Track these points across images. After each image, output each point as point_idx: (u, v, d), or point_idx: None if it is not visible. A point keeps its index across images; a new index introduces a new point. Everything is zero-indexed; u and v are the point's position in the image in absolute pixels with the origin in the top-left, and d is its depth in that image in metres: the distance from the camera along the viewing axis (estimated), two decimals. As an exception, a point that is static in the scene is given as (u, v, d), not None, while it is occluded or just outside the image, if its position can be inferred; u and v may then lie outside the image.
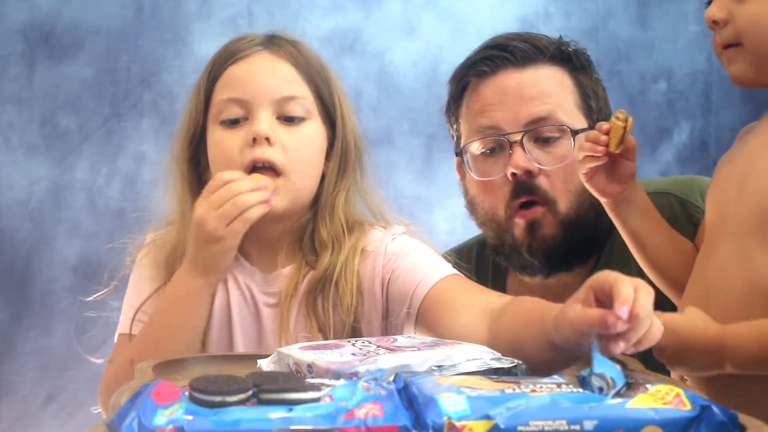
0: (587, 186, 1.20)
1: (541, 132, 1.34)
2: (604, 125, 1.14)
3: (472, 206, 1.44)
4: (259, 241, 1.21)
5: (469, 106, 1.41)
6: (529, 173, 1.33)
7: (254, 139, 1.15)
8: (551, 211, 1.34)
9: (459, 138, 1.45)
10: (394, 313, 1.19)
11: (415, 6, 2.61)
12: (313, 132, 1.20)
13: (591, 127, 1.37)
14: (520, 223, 1.35)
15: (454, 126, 1.46)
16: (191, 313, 1.14)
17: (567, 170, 1.33)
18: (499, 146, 1.36)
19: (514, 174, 1.33)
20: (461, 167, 1.46)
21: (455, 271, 1.19)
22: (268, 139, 1.15)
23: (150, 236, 1.26)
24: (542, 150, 1.34)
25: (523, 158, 1.32)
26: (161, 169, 1.25)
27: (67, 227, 2.39)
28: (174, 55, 2.46)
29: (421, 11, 2.62)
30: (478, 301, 1.11)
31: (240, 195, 1.10)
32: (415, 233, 1.25)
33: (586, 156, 1.16)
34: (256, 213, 1.10)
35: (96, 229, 2.35)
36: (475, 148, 1.38)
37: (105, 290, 1.25)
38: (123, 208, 2.35)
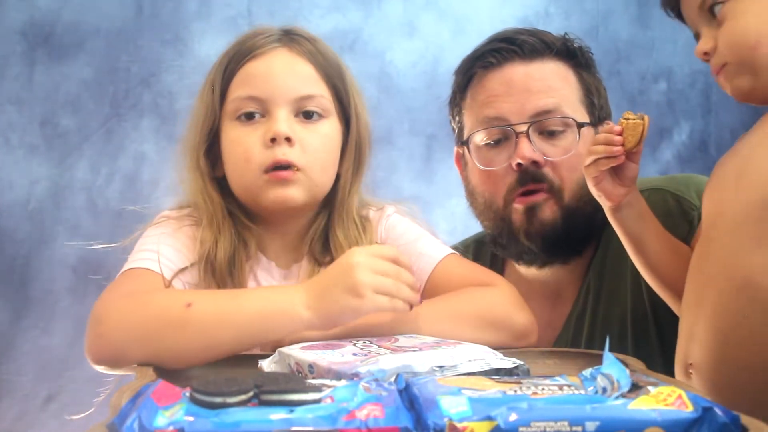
0: (594, 191, 1.20)
1: (546, 125, 1.35)
2: (616, 127, 1.14)
3: (472, 197, 1.45)
4: (277, 238, 1.21)
5: (474, 98, 1.41)
6: (534, 164, 1.34)
7: (273, 139, 1.14)
8: (554, 198, 1.35)
9: (461, 129, 1.45)
10: None
11: (415, 6, 2.62)
12: (330, 130, 1.20)
13: (593, 123, 1.37)
14: (518, 208, 1.36)
15: (456, 118, 1.47)
16: (265, 331, 0.99)
17: (572, 161, 1.34)
18: (504, 137, 1.37)
19: (519, 164, 1.33)
20: (461, 159, 1.47)
21: (447, 250, 1.21)
22: (288, 139, 1.14)
23: (168, 212, 1.24)
24: (546, 142, 1.35)
25: (529, 149, 1.33)
26: (172, 164, 1.24)
27: (67, 227, 2.39)
28: (174, 55, 2.46)
29: (421, 11, 2.62)
30: (473, 280, 1.15)
31: (402, 281, 1.02)
32: (406, 212, 1.26)
33: (600, 159, 1.16)
34: (401, 306, 1.01)
35: (96, 229, 2.35)
36: (480, 138, 1.39)
37: (114, 244, 1.21)
38: (123, 208, 2.35)
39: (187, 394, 0.65)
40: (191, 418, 0.62)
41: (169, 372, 0.95)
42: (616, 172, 1.18)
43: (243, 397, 0.64)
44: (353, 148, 1.23)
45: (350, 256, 1.01)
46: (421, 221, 1.27)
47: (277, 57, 1.18)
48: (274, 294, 1.03)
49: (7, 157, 2.36)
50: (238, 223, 1.19)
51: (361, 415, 0.63)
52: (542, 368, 0.98)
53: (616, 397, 0.66)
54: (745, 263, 1.03)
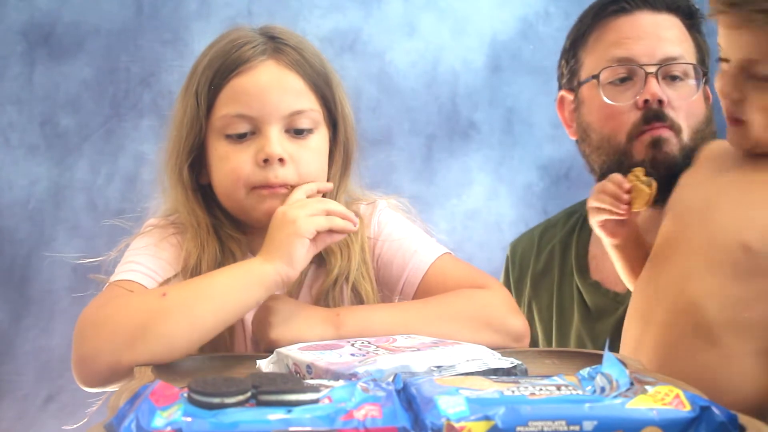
0: (597, 229, 1.28)
1: (672, 69, 1.45)
2: (625, 183, 1.22)
3: (585, 134, 1.53)
4: (259, 234, 1.21)
5: (601, 39, 1.50)
6: (659, 103, 1.42)
7: (266, 160, 1.13)
8: (677, 137, 1.43)
9: (574, 73, 1.54)
10: (385, 293, 1.20)
11: (415, 6, 2.61)
12: (319, 143, 1.19)
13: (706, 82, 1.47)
14: (645, 139, 1.43)
15: (571, 62, 1.56)
16: (242, 298, 1.04)
17: (691, 107, 1.44)
18: (629, 77, 1.46)
19: (646, 101, 1.42)
20: (575, 101, 1.55)
21: (442, 249, 1.22)
22: (281, 160, 1.14)
23: (154, 220, 1.24)
24: (670, 86, 1.44)
25: (657, 88, 1.42)
26: (157, 174, 1.24)
27: (67, 227, 2.39)
28: (174, 55, 2.45)
29: (421, 11, 2.62)
30: (468, 282, 1.16)
31: (329, 203, 1.09)
32: (399, 207, 1.27)
33: (604, 209, 1.23)
34: (340, 222, 1.07)
35: (96, 229, 2.35)
36: (605, 76, 1.47)
37: (103, 257, 1.22)
38: (123, 208, 2.34)
39: (185, 394, 0.65)
40: (189, 419, 0.62)
41: (167, 372, 0.95)
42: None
43: (241, 397, 0.64)
44: (341, 152, 1.23)
45: (275, 212, 1.09)
46: (415, 217, 1.27)
47: (265, 71, 1.16)
48: (239, 265, 1.09)
49: (7, 157, 2.36)
50: (224, 234, 1.19)
51: (358, 415, 0.63)
52: (540, 368, 0.98)
53: (614, 397, 0.66)
54: (695, 288, 1.10)
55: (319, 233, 1.08)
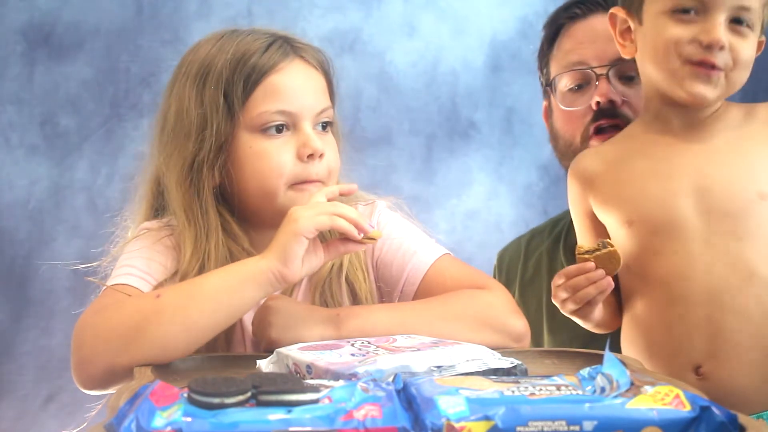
0: (590, 327, 1.22)
1: (625, 69, 1.43)
2: (587, 264, 1.14)
3: (554, 141, 1.55)
4: (267, 237, 1.21)
5: (560, 47, 1.51)
6: (611, 103, 1.42)
7: (310, 155, 1.16)
8: None
9: (548, 81, 1.54)
10: (386, 294, 1.21)
11: (415, 6, 2.61)
12: (333, 137, 1.23)
13: None
14: (595, 144, 1.43)
15: (544, 70, 1.56)
16: (237, 297, 1.03)
17: None
18: (586, 82, 1.46)
19: (598, 103, 1.42)
20: (548, 109, 1.56)
21: (442, 250, 1.22)
22: (321, 155, 1.17)
23: (148, 223, 1.24)
24: (626, 86, 1.43)
25: (608, 89, 1.42)
26: (158, 180, 1.23)
27: (67, 227, 2.39)
28: (174, 55, 2.43)
29: (421, 11, 2.62)
30: (468, 282, 1.16)
31: (341, 206, 1.07)
32: (394, 207, 1.27)
33: (582, 292, 1.15)
34: (344, 224, 1.05)
35: (96, 229, 2.34)
36: (563, 84, 1.49)
37: (97, 263, 1.22)
38: (123, 208, 2.35)
39: (185, 394, 0.65)
40: (189, 419, 0.62)
41: (167, 372, 0.95)
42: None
43: (241, 397, 0.64)
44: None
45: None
46: (413, 217, 1.27)
47: (297, 70, 1.19)
48: (234, 264, 1.08)
49: (7, 157, 2.36)
50: (228, 239, 1.18)
51: (358, 415, 0.63)
52: (540, 368, 0.98)
53: (614, 397, 0.66)
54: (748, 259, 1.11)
55: (332, 243, 1.08)
